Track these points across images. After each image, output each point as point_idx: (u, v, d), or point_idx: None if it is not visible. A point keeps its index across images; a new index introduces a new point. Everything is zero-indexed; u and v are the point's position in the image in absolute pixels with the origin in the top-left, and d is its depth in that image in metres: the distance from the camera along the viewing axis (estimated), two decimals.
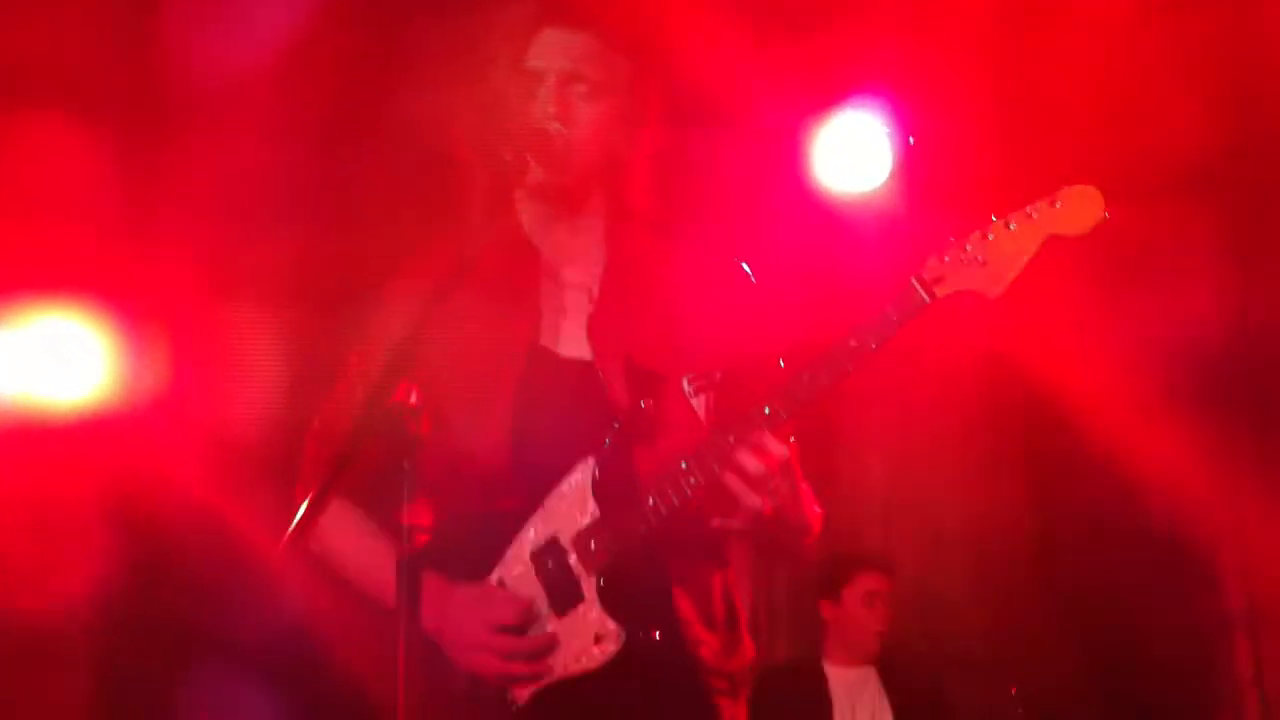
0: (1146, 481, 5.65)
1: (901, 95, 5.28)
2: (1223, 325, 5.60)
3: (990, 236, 2.50)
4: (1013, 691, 5.22)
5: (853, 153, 5.32)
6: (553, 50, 2.74)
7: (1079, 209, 2.49)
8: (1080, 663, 5.85)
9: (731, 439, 2.53)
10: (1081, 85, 5.06)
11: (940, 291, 2.51)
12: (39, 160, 4.75)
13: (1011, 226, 2.51)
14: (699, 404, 2.69)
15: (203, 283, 5.04)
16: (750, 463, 2.51)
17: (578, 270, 2.79)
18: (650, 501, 2.58)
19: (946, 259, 2.52)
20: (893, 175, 5.31)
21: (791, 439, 2.63)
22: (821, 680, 5.18)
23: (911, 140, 5.26)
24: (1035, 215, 2.50)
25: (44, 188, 4.81)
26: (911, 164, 5.29)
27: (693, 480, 2.56)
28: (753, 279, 2.85)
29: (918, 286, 2.52)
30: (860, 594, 5.27)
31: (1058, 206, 2.50)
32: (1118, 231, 5.21)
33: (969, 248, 2.51)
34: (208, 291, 5.05)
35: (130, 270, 5.01)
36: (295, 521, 2.26)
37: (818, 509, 2.78)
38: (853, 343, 2.53)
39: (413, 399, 2.24)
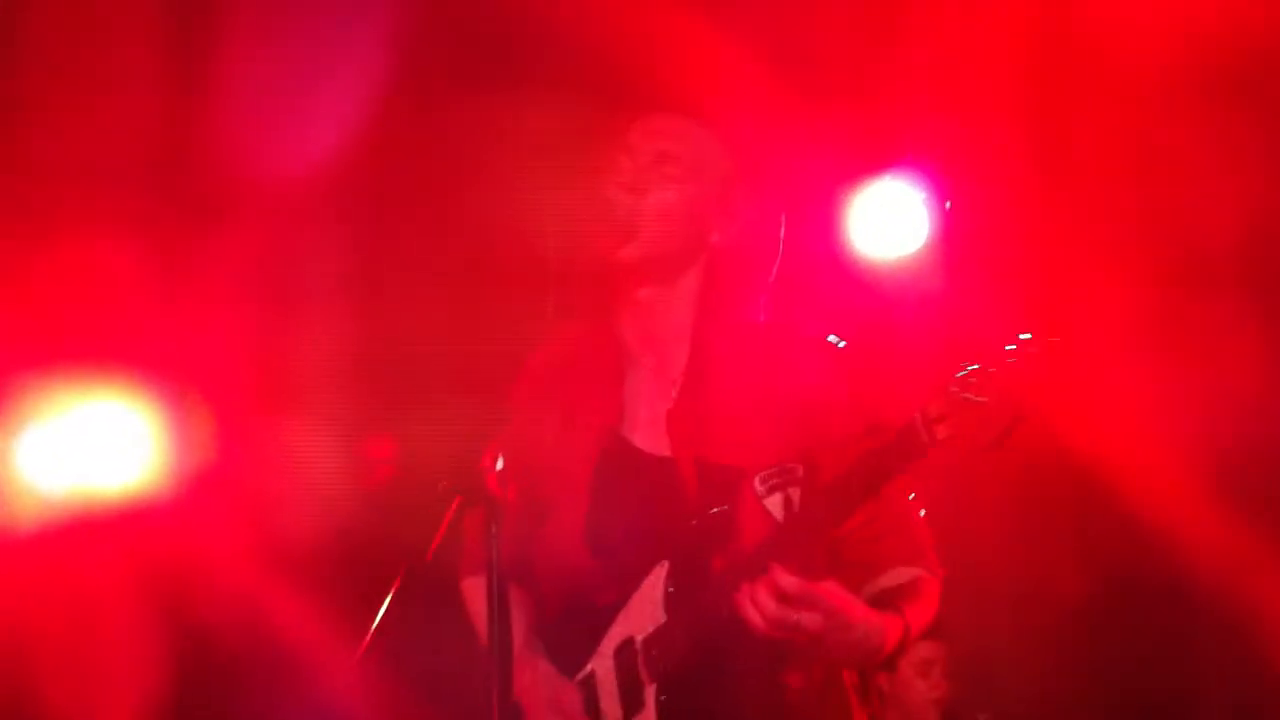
0: (1196, 550, 5.59)
1: (938, 161, 5.32)
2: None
3: (990, 379, 2.31)
4: None
5: (889, 218, 5.34)
6: (641, 135, 2.78)
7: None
8: None
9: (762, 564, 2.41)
10: (1118, 155, 5.07)
11: (939, 432, 2.33)
12: (86, 246, 4.81)
13: (1019, 362, 2.31)
14: (774, 503, 2.59)
15: (255, 369, 5.07)
16: (760, 598, 2.40)
17: (663, 358, 2.77)
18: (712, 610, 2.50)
19: (953, 396, 2.33)
20: (930, 241, 5.32)
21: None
22: None
23: (948, 205, 5.27)
24: (1038, 355, 2.31)
25: (90, 273, 4.86)
26: (949, 229, 5.30)
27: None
28: (845, 350, 2.76)
29: (921, 426, 2.35)
30: (916, 663, 5.24)
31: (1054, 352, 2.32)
32: (1164, 306, 5.27)
33: (974, 386, 2.31)
34: (259, 378, 5.07)
35: (176, 356, 5.05)
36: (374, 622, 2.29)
37: (888, 625, 2.55)
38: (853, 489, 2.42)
39: (497, 464, 2.24)
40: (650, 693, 2.55)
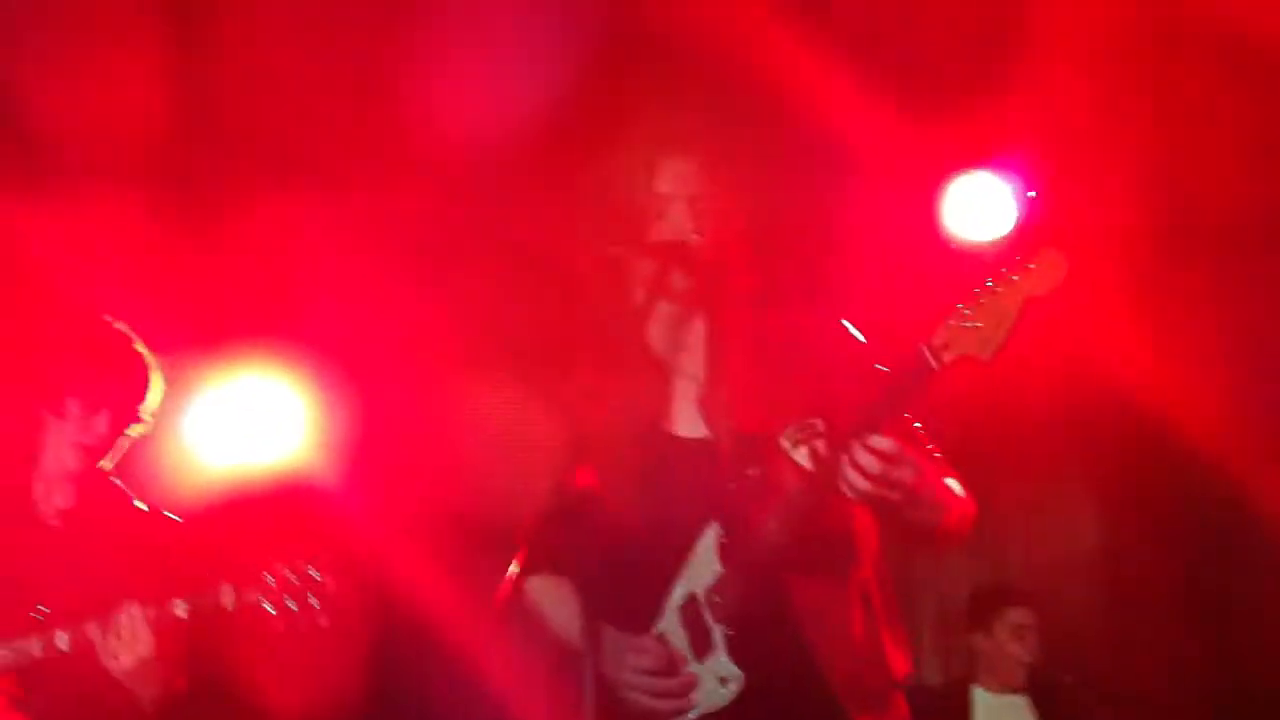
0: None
1: (1027, 151, 5.61)
2: None
3: (982, 302, 2.74)
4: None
5: (979, 205, 5.69)
6: (678, 175, 3.18)
7: (1048, 271, 2.73)
8: (1220, 694, 6.11)
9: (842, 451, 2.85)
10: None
11: (947, 357, 2.77)
12: (248, 221, 5.06)
13: (998, 290, 2.73)
14: (801, 455, 3.03)
15: (411, 341, 5.30)
16: (865, 460, 2.81)
17: (687, 358, 3.22)
18: (772, 530, 2.97)
19: (951, 325, 2.76)
20: (1016, 227, 5.65)
21: (916, 425, 2.99)
22: (966, 703, 5.49)
23: (1033, 194, 5.59)
24: (1016, 279, 2.73)
25: (258, 245, 5.13)
26: (1033, 216, 5.60)
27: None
28: (852, 333, 3.18)
29: (928, 354, 2.78)
30: (1010, 627, 5.59)
31: (1032, 269, 2.73)
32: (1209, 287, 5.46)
33: (968, 314, 2.74)
34: (416, 350, 5.31)
35: (336, 329, 5.27)
36: (505, 585, 2.72)
37: (957, 491, 3.05)
38: (879, 407, 2.84)
39: (589, 484, 2.70)
40: (719, 632, 3.03)
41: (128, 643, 3.43)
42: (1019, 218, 5.64)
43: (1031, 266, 2.73)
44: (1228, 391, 5.91)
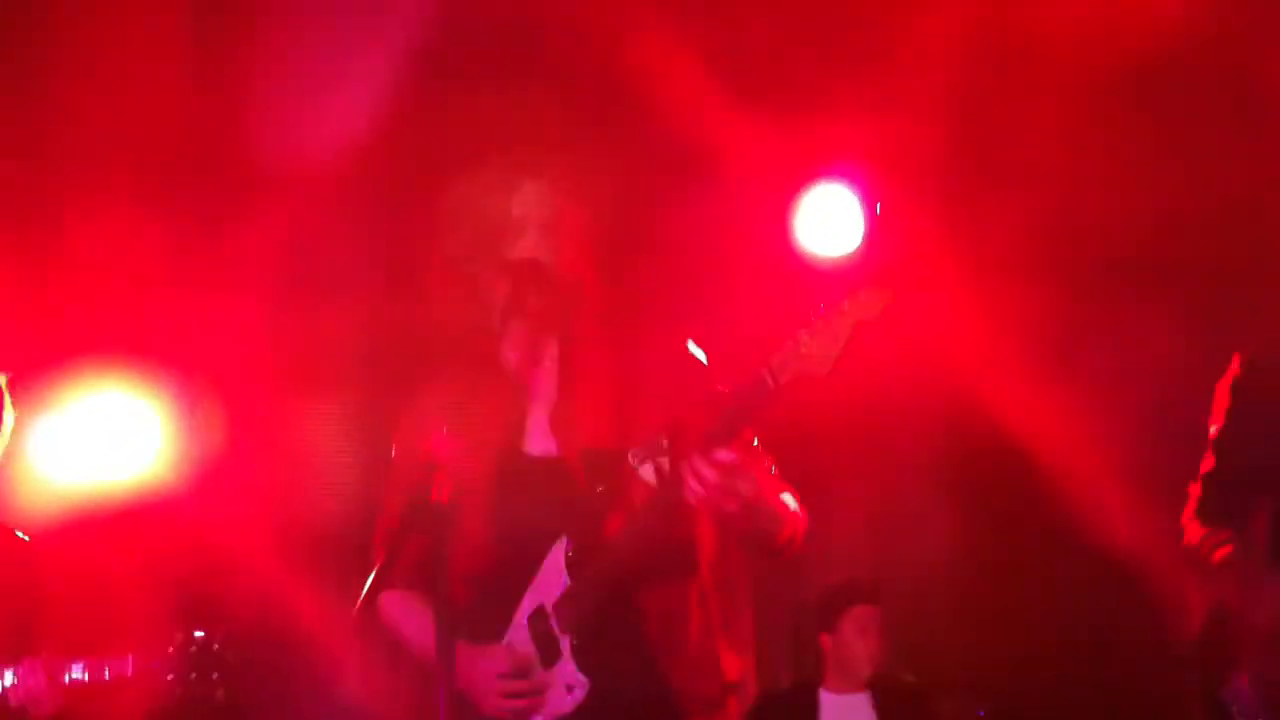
0: (1113, 508, 6.10)
1: (870, 165, 5.75)
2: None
3: (817, 325, 2.93)
4: (980, 715, 5.69)
5: (827, 219, 5.82)
6: (534, 196, 3.28)
7: (874, 299, 2.91)
8: (1053, 683, 6.31)
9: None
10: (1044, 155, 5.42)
11: (784, 377, 2.94)
12: (98, 235, 5.03)
13: (830, 314, 2.91)
14: (647, 471, 3.17)
15: (266, 357, 5.30)
16: (706, 472, 2.96)
17: (541, 376, 3.33)
18: (620, 542, 3.11)
19: (788, 347, 2.95)
20: (863, 241, 5.80)
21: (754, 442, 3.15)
22: (814, 705, 5.61)
23: (879, 208, 5.72)
24: (846, 306, 2.91)
25: (103, 261, 5.08)
26: (880, 230, 5.72)
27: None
28: (693, 353, 3.33)
29: (767, 375, 2.96)
30: (855, 624, 5.70)
31: (860, 297, 2.91)
32: (1066, 303, 5.64)
33: (804, 337, 2.93)
34: (271, 367, 5.32)
35: (188, 345, 5.27)
36: (360, 601, 2.79)
37: (792, 505, 3.22)
38: (724, 424, 3.00)
39: (444, 499, 2.78)
40: (565, 642, 3.17)
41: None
42: (867, 233, 5.78)
43: (860, 295, 2.91)
44: (1073, 400, 6.13)
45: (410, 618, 3.31)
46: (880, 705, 5.63)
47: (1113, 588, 6.27)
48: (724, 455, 2.96)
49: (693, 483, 2.97)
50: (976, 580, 6.64)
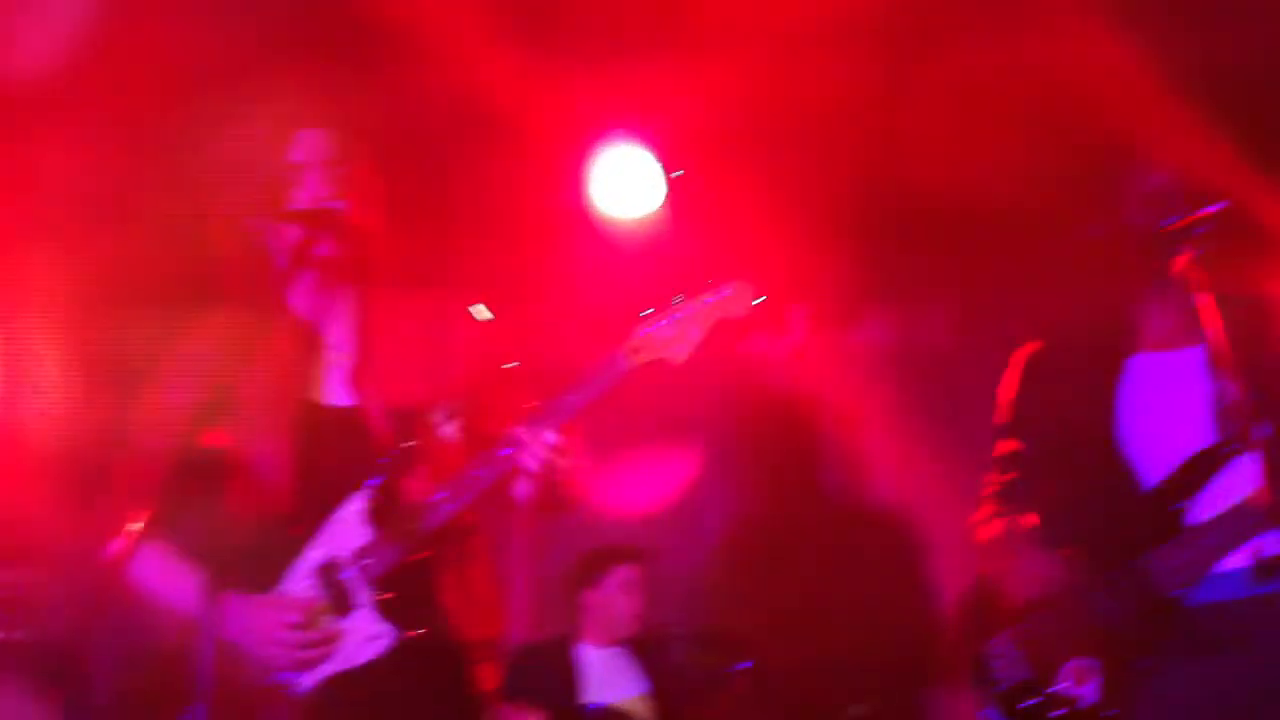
0: (874, 470, 6.36)
1: (671, 129, 5.78)
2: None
3: (676, 316, 3.08)
4: (744, 665, 5.91)
5: (626, 180, 5.85)
6: (313, 144, 3.27)
7: (739, 299, 3.08)
8: (813, 637, 6.51)
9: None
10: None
11: (638, 360, 3.07)
12: None
13: (690, 306, 3.07)
14: (450, 430, 3.24)
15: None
16: (537, 445, 3.06)
17: (336, 330, 3.32)
18: (438, 500, 3.14)
19: (644, 334, 3.09)
20: (664, 204, 5.84)
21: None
22: (569, 656, 5.73)
23: (679, 173, 5.78)
24: (708, 300, 3.08)
25: None
26: (681, 195, 5.79)
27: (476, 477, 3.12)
28: (480, 319, 3.37)
29: (622, 357, 3.08)
30: (620, 582, 5.85)
31: (725, 294, 3.07)
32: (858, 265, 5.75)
33: (662, 324, 3.08)
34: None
35: None
36: (119, 546, 2.74)
37: (594, 475, 3.31)
38: (573, 398, 3.10)
39: (221, 446, 2.74)
40: (366, 593, 3.17)
41: None
42: (666, 196, 5.83)
43: (725, 293, 3.05)
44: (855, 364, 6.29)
45: (177, 567, 3.23)
46: (640, 657, 5.78)
47: (880, 552, 6.49)
48: (553, 434, 3.05)
49: (525, 456, 3.06)
50: (748, 541, 6.83)
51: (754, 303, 3.04)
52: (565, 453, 3.09)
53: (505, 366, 3.24)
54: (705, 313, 3.04)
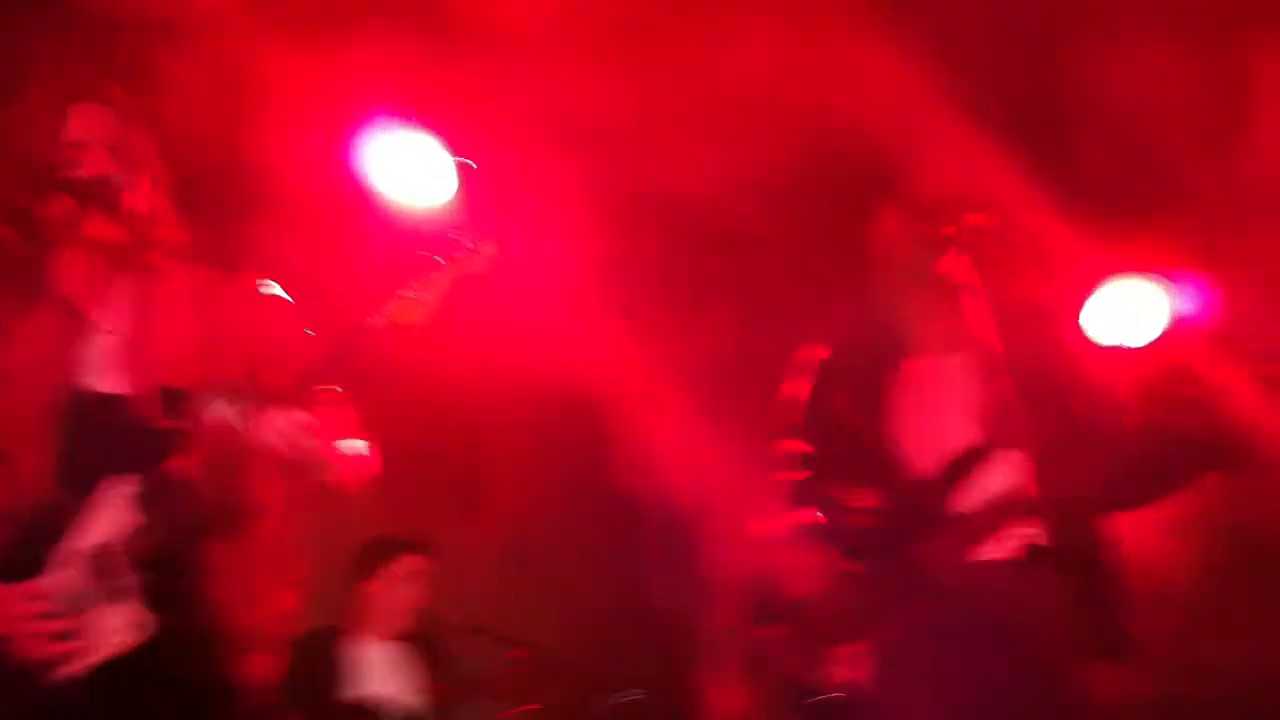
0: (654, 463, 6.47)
1: (465, 120, 5.75)
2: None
3: (420, 276, 3.15)
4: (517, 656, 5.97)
5: (416, 169, 5.78)
6: (89, 123, 3.19)
7: (478, 255, 3.19)
8: (586, 625, 6.65)
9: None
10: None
11: (381, 323, 3.11)
12: None
13: (433, 266, 3.16)
14: (228, 412, 3.18)
15: None
16: (282, 424, 3.07)
17: (110, 312, 3.24)
18: (197, 483, 3.11)
19: (392, 297, 3.13)
20: (457, 195, 5.79)
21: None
22: (347, 650, 5.67)
23: (473, 165, 5.74)
24: (449, 260, 3.17)
25: None
26: (475, 186, 5.75)
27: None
28: (277, 294, 3.35)
29: (369, 321, 3.11)
30: (402, 573, 5.80)
31: (466, 250, 3.17)
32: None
33: (413, 288, 3.14)
34: None
35: None
36: None
37: (363, 452, 3.30)
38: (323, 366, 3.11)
39: None
40: (132, 579, 3.10)
41: None
42: (458, 187, 5.78)
43: (467, 246, 3.13)
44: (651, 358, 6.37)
45: None
46: (414, 647, 5.75)
47: (664, 547, 6.58)
48: (301, 414, 3.04)
49: (271, 435, 3.04)
50: (533, 535, 6.87)
51: (489, 255, 3.14)
52: (314, 431, 3.09)
53: (305, 333, 3.23)
54: (441, 269, 3.12)
